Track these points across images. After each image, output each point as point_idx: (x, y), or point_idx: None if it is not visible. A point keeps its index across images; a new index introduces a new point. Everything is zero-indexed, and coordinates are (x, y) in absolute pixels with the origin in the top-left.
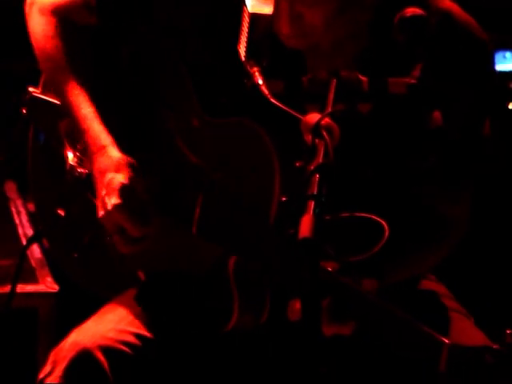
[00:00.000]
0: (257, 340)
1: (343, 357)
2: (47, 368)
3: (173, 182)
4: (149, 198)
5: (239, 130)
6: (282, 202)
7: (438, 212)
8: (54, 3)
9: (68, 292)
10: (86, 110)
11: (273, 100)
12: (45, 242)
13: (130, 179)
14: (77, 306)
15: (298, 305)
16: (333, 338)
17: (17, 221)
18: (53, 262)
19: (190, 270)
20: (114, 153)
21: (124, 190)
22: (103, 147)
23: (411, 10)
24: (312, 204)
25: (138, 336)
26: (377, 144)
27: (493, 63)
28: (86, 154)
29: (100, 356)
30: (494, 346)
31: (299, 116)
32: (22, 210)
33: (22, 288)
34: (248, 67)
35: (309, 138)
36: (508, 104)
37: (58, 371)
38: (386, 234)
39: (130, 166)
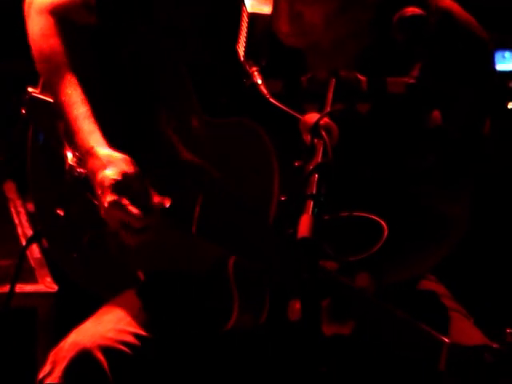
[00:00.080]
0: (256, 340)
1: (343, 356)
2: (47, 368)
3: (172, 181)
4: (145, 186)
5: (239, 129)
6: (281, 202)
7: (437, 211)
8: (54, 3)
9: (67, 292)
10: (77, 111)
11: (272, 100)
12: (44, 241)
13: (122, 174)
14: (76, 306)
15: (297, 304)
16: (332, 338)
17: (16, 221)
18: (52, 261)
19: (190, 269)
20: (102, 152)
21: (117, 186)
22: (91, 148)
23: (411, 10)
24: (311, 204)
25: (137, 336)
26: (375, 144)
27: (493, 62)
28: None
29: (99, 356)
30: (494, 345)
31: (298, 116)
32: (21, 210)
33: (21, 288)
34: (247, 67)
35: (308, 137)
36: (507, 104)
37: (58, 371)
38: (385, 233)
39: (121, 160)
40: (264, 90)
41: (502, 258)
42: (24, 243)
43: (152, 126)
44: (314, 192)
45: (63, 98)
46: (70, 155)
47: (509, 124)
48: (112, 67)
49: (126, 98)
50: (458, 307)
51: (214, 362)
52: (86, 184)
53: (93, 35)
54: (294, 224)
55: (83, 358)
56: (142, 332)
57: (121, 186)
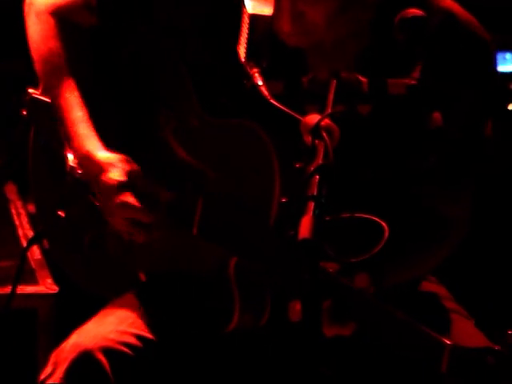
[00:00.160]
0: (258, 341)
1: (344, 358)
2: (48, 369)
3: (172, 182)
4: (148, 182)
5: (239, 130)
6: (281, 203)
7: (438, 212)
8: (55, 4)
9: (67, 293)
10: (75, 115)
11: (272, 101)
12: (45, 243)
13: (126, 173)
14: (76, 307)
15: (298, 306)
16: (333, 339)
17: (17, 222)
18: (53, 263)
19: (191, 270)
20: (99, 155)
21: (122, 187)
22: (87, 152)
23: (412, 11)
24: (312, 205)
25: (138, 337)
26: (376, 145)
27: (494, 63)
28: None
29: (101, 357)
30: (496, 347)
31: (299, 117)
32: (22, 211)
33: (21, 289)
34: (248, 68)
35: (308, 138)
36: (508, 105)
37: (59, 372)
38: (386, 234)
39: (121, 160)
40: (265, 92)
41: (503, 258)
42: (25, 244)
43: (152, 127)
44: (315, 193)
45: (61, 102)
46: (70, 156)
47: (510, 125)
48: (112, 67)
49: (125, 99)
50: (459, 309)
51: (215, 363)
52: (86, 185)
53: (93, 36)
54: (295, 225)
55: (85, 360)
56: (143, 333)
57: (126, 185)
